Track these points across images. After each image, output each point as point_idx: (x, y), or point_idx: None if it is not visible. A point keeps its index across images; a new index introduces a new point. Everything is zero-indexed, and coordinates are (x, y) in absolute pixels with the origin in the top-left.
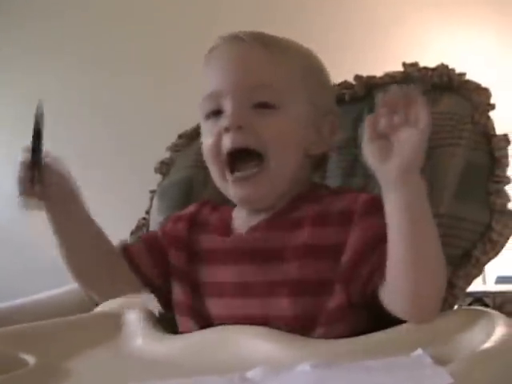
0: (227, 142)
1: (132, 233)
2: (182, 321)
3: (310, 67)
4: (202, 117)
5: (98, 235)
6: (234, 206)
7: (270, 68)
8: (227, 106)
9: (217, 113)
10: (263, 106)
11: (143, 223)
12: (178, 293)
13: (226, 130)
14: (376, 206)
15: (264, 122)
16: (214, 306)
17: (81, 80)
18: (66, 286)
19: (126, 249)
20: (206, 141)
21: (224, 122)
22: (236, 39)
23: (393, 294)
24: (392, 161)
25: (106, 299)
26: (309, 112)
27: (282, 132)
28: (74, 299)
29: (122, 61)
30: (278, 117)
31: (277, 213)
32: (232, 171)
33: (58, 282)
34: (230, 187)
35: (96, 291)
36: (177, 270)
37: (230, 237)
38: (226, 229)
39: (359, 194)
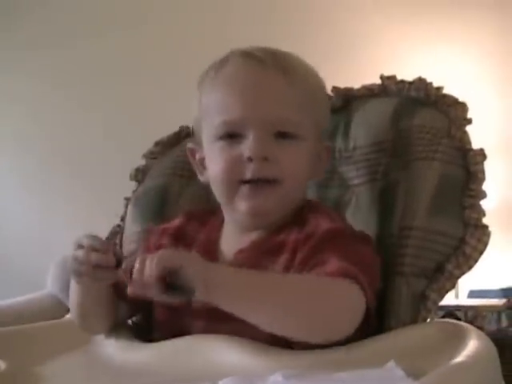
0: (249, 172)
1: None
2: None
3: (319, 95)
4: (211, 136)
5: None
6: (220, 220)
7: (294, 101)
8: (249, 134)
9: (232, 136)
10: (284, 135)
11: (117, 230)
12: (159, 311)
13: (249, 159)
14: (328, 240)
15: (285, 153)
16: (194, 327)
17: (63, 83)
18: (37, 292)
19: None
20: (218, 163)
21: (246, 151)
22: (255, 60)
23: None
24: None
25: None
26: (316, 141)
27: (299, 163)
28: (46, 305)
29: (100, 66)
30: (297, 147)
31: (265, 235)
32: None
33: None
34: (239, 199)
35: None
36: None
37: (217, 261)
38: (213, 251)
39: (321, 222)
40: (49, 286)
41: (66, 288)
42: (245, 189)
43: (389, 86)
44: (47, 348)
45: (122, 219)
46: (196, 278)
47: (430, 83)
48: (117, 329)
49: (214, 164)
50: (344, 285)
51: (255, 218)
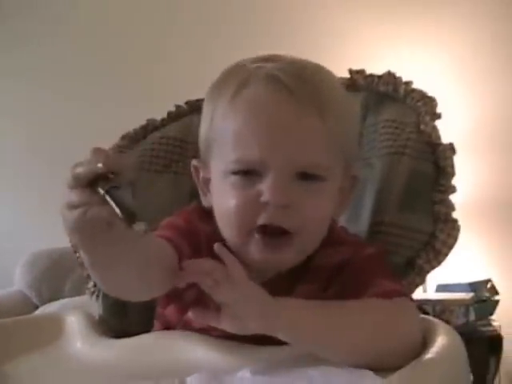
0: (264, 218)
1: None
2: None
3: (353, 126)
4: (222, 170)
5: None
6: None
7: (325, 142)
8: (268, 174)
9: (247, 172)
10: (308, 176)
11: None
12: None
13: (266, 204)
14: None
15: (308, 199)
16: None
17: (41, 79)
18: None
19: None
20: (229, 201)
21: (265, 194)
22: (283, 88)
23: None
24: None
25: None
26: (343, 176)
27: (322, 209)
28: (14, 302)
29: (83, 65)
30: (321, 191)
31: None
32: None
33: None
34: (252, 247)
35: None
36: None
37: None
38: None
39: (360, 248)
40: (17, 282)
41: (33, 285)
42: (258, 239)
43: (357, 81)
44: (14, 344)
45: None
46: (252, 311)
47: (399, 78)
48: (84, 324)
49: (223, 199)
50: (406, 303)
51: (274, 268)
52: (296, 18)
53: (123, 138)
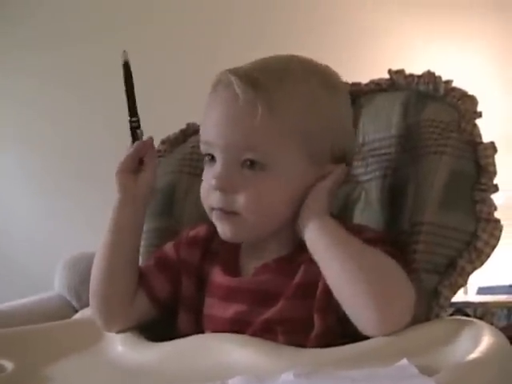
0: (214, 199)
1: None
2: None
3: (311, 113)
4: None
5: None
6: None
7: (262, 131)
8: (217, 160)
9: (212, 158)
10: (252, 164)
11: None
12: (183, 321)
13: (214, 187)
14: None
15: (249, 187)
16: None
17: (69, 82)
18: (44, 293)
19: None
20: (203, 182)
21: (212, 179)
22: (232, 93)
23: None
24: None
25: (118, 329)
26: (305, 165)
27: (266, 197)
28: (54, 306)
29: (106, 65)
30: (265, 179)
31: (283, 257)
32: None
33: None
34: (215, 222)
35: (113, 319)
36: (186, 297)
37: (236, 277)
38: (233, 266)
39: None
40: (56, 286)
41: (73, 288)
42: (215, 213)
43: (397, 81)
44: (55, 348)
45: None
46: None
47: (439, 77)
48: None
49: (203, 181)
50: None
51: (231, 241)
52: (333, 18)
53: (163, 142)
